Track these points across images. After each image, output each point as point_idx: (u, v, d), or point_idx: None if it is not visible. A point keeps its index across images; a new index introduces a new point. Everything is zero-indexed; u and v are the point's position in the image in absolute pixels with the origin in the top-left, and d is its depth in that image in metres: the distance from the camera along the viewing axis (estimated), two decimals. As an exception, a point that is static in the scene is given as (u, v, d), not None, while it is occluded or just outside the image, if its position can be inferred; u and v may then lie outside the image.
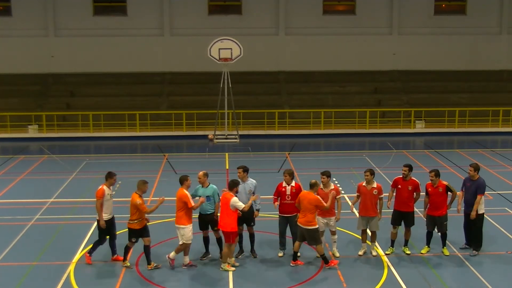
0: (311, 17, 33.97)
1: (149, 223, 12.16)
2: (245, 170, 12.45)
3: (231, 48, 27.52)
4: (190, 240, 11.77)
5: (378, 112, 30.52)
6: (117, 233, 12.46)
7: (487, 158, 23.38)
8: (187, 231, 11.68)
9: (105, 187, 12.00)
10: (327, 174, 12.42)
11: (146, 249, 11.88)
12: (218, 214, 12.12)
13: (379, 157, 23.85)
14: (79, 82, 33.14)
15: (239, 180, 12.28)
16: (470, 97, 32.50)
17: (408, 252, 12.81)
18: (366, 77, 33.80)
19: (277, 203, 12.63)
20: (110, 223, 12.17)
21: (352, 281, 11.49)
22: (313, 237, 11.81)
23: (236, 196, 11.78)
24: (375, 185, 12.51)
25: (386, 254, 12.75)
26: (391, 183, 13.07)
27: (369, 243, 12.86)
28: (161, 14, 33.48)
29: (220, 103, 28.12)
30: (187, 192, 11.69)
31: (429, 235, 12.87)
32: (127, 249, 11.93)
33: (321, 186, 12.41)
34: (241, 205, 11.67)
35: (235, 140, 27.94)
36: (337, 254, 12.60)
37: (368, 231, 12.83)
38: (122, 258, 12.32)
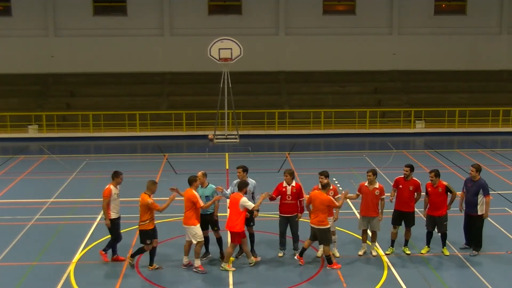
0: (311, 17, 33.97)
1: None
2: (245, 170, 12.44)
3: (231, 48, 27.52)
4: (202, 237, 11.77)
5: (378, 112, 30.52)
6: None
7: (487, 158, 23.38)
8: (198, 230, 11.68)
9: (112, 187, 12.00)
10: (325, 174, 12.41)
11: (152, 250, 11.87)
12: (218, 214, 12.14)
13: (379, 157, 23.85)
14: (79, 82, 33.14)
15: (247, 181, 12.28)
16: (470, 97, 32.51)
17: (408, 252, 12.81)
18: (366, 77, 33.80)
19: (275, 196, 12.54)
20: (117, 222, 12.16)
21: (352, 281, 11.49)
22: (324, 236, 11.84)
23: (245, 196, 11.78)
24: (377, 185, 12.50)
25: (386, 254, 12.75)
26: (391, 183, 13.07)
27: (369, 243, 12.86)
28: (161, 14, 33.48)
29: (220, 103, 28.12)
30: (195, 192, 11.68)
31: (429, 235, 12.87)
32: (140, 251, 11.85)
33: (319, 186, 12.42)
34: (250, 204, 11.69)
35: (235, 140, 27.94)
36: (337, 254, 12.60)
37: (368, 231, 12.84)
38: (122, 258, 12.34)
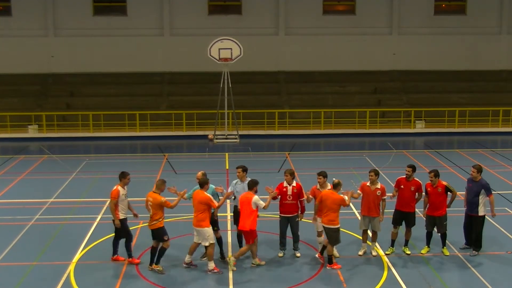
0: (311, 17, 33.97)
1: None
2: (244, 169, 12.45)
3: (231, 48, 27.52)
4: (214, 239, 11.81)
5: (378, 112, 30.53)
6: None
7: (487, 158, 23.37)
8: (211, 232, 11.71)
9: (119, 188, 12.00)
10: (323, 175, 12.43)
11: (154, 250, 11.86)
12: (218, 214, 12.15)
13: (379, 157, 23.84)
14: (79, 82, 33.14)
15: (247, 180, 12.29)
16: (470, 97, 32.51)
17: (408, 252, 12.81)
18: (366, 77, 33.79)
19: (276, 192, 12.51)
20: (124, 223, 12.14)
21: (352, 281, 11.49)
22: (333, 236, 11.88)
23: (256, 195, 11.80)
24: (379, 185, 12.49)
25: (386, 254, 12.75)
26: (391, 183, 13.07)
27: (370, 243, 12.86)
28: (161, 14, 33.48)
29: (220, 103, 28.12)
30: (208, 194, 11.68)
31: (429, 235, 12.87)
32: (161, 252, 11.80)
33: (318, 186, 12.43)
34: (262, 203, 11.73)
35: (235, 140, 27.94)
36: (337, 255, 12.59)
37: (368, 231, 12.84)
38: (122, 258, 12.34)
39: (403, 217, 12.73)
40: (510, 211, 16.09)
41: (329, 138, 29.25)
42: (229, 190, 12.52)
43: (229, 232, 13.87)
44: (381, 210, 12.54)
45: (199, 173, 12.27)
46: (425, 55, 33.99)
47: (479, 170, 12.63)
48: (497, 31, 34.69)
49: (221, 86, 27.80)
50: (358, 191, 12.65)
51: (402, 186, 12.65)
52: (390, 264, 12.25)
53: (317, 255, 12.39)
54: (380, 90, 33.31)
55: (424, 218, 12.83)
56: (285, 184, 12.42)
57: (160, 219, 11.62)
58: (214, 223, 12.24)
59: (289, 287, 11.23)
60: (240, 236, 12.56)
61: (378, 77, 33.99)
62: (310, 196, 12.44)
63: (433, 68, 33.98)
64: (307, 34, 33.86)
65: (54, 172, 21.40)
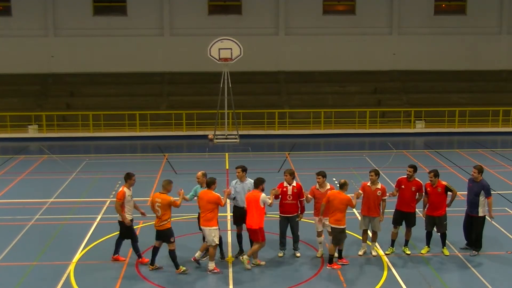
0: (311, 17, 33.97)
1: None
2: (244, 169, 12.45)
3: (231, 48, 27.52)
4: (218, 240, 11.83)
5: (378, 112, 30.53)
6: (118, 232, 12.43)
7: (487, 158, 23.37)
8: (217, 233, 11.73)
9: (125, 189, 11.96)
10: (322, 174, 12.44)
11: (156, 250, 11.86)
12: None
13: (379, 157, 23.85)
14: (79, 82, 33.13)
15: (247, 180, 12.30)
16: (470, 97, 32.51)
17: (408, 252, 12.81)
18: (366, 77, 33.80)
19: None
20: (131, 224, 12.12)
21: (352, 281, 11.49)
22: (337, 236, 11.90)
23: (263, 193, 11.82)
24: (379, 186, 12.49)
25: (386, 254, 12.75)
26: (391, 183, 13.07)
27: (369, 243, 12.86)
28: (161, 14, 33.48)
29: (220, 103, 28.12)
30: (216, 193, 11.70)
31: (429, 235, 12.87)
32: (173, 256, 11.76)
33: (317, 186, 12.43)
34: (269, 201, 11.81)
35: (235, 140, 27.94)
36: (336, 255, 12.57)
37: (368, 231, 12.84)
38: (123, 258, 12.34)
39: (404, 217, 12.73)
40: (510, 211, 16.09)
41: (329, 138, 29.25)
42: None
43: (229, 232, 13.88)
44: (381, 211, 12.54)
45: (199, 173, 12.28)
46: (425, 55, 33.99)
47: (480, 170, 12.62)
48: (497, 31, 34.69)
49: (221, 86, 27.80)
50: (359, 191, 12.65)
51: (403, 186, 12.65)
52: (390, 264, 12.25)
53: (337, 261, 12.25)
54: (380, 90, 33.31)
55: (424, 218, 12.83)
56: (285, 184, 12.42)
57: (169, 220, 11.63)
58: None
59: (289, 287, 11.23)
60: (240, 236, 12.57)
61: (378, 77, 34.00)
62: (309, 196, 12.45)
63: (433, 68, 33.98)
64: (307, 34, 33.86)
65: (54, 172, 21.40)
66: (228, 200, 12.24)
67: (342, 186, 11.99)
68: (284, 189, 12.37)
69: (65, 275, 11.71)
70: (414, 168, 12.68)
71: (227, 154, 24.68)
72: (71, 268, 12.08)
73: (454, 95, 32.66)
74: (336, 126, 29.98)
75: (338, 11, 35.09)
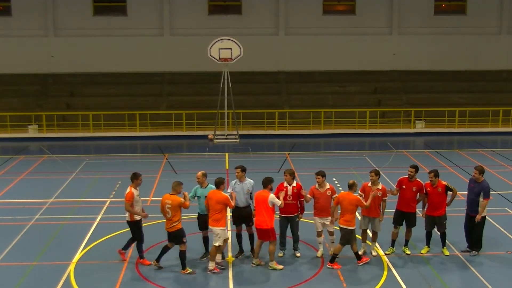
0: (311, 17, 33.97)
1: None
2: (243, 170, 12.43)
3: (231, 48, 27.51)
4: (222, 241, 11.82)
5: (378, 112, 30.52)
6: (120, 232, 12.42)
7: (487, 158, 23.37)
8: (223, 233, 11.71)
9: (133, 189, 11.92)
10: (322, 174, 12.43)
11: (167, 249, 11.87)
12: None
13: (379, 157, 23.85)
14: (79, 82, 33.13)
15: (246, 180, 12.30)
16: (470, 97, 32.50)
17: (408, 252, 12.81)
18: (366, 77, 33.79)
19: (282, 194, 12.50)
20: (139, 224, 12.12)
21: (352, 281, 11.50)
22: (345, 236, 11.89)
23: (272, 193, 11.82)
24: (380, 186, 12.48)
25: (386, 254, 12.75)
26: (391, 183, 13.07)
27: (369, 243, 12.86)
28: (161, 14, 33.48)
29: (220, 103, 28.12)
30: (225, 194, 11.71)
31: (429, 235, 12.87)
32: (183, 257, 11.77)
33: (316, 186, 12.43)
34: (278, 201, 11.77)
35: (235, 140, 27.93)
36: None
37: (368, 231, 12.83)
38: (124, 257, 12.32)
39: (404, 217, 12.73)
40: (510, 211, 16.09)
41: (329, 138, 29.24)
42: (229, 191, 12.50)
43: (229, 232, 13.85)
44: (381, 211, 12.53)
45: (199, 173, 12.27)
46: (425, 55, 33.98)
47: (481, 171, 12.61)
48: (497, 31, 34.69)
49: (221, 86, 27.80)
50: (359, 192, 12.66)
51: (404, 186, 12.63)
52: (390, 264, 12.25)
53: (357, 262, 12.19)
54: (380, 90, 33.31)
55: (424, 218, 12.83)
56: (285, 184, 12.42)
57: (180, 220, 11.62)
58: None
59: (289, 287, 11.23)
60: (239, 236, 12.56)
61: (378, 77, 33.99)
62: (309, 196, 12.44)
63: (433, 68, 33.97)
64: (307, 34, 33.86)
65: (54, 172, 21.40)
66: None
67: (351, 187, 11.99)
68: (285, 189, 12.35)
69: (65, 275, 11.71)
70: (416, 168, 12.67)
71: (227, 154, 24.67)
72: (71, 268, 12.08)
73: (454, 95, 32.65)
74: (336, 126, 29.97)
75: (338, 11, 35.09)
